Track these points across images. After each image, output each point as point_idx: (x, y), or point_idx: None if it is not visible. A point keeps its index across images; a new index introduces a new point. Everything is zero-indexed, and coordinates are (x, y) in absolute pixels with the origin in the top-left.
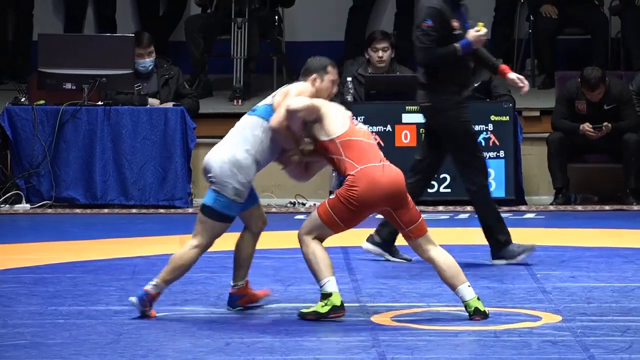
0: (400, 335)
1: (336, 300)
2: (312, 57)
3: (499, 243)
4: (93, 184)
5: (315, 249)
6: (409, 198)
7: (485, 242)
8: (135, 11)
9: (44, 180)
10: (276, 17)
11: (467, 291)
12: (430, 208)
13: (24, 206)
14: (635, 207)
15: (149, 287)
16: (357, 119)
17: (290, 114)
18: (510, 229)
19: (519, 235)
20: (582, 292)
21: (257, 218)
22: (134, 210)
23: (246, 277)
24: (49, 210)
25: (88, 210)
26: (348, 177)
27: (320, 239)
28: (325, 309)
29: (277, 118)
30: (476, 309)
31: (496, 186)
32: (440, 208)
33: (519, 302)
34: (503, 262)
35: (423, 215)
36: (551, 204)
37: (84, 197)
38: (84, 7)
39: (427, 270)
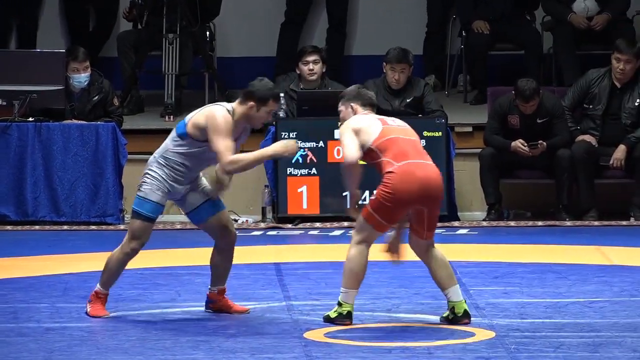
0: (334, 352)
1: (345, 309)
2: (260, 81)
3: None
4: (24, 201)
5: (357, 257)
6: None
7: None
8: (63, 26)
9: None
10: (208, 33)
11: (457, 293)
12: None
13: None
14: (568, 223)
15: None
16: (392, 120)
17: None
18: (443, 245)
19: (452, 251)
20: (515, 308)
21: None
22: (65, 227)
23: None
24: None
25: (19, 227)
26: (385, 175)
27: (368, 241)
28: (334, 315)
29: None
30: (465, 311)
31: None
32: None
33: None
34: None
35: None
36: (484, 220)
37: (14, 213)
38: (9, 22)
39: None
